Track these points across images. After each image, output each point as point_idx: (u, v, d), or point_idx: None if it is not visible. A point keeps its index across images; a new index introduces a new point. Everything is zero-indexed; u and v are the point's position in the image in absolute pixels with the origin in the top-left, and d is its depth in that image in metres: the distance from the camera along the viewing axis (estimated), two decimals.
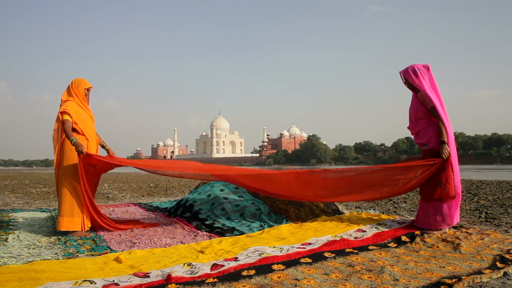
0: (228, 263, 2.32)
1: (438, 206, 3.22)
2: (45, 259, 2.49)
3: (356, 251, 2.64)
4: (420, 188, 3.41)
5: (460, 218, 4.21)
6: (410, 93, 3.49)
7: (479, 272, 2.16)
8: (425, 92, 3.25)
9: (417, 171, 3.30)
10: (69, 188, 3.34)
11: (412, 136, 3.56)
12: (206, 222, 3.78)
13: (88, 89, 3.65)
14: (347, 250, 2.66)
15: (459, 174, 3.31)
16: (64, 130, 3.36)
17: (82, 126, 3.47)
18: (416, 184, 3.35)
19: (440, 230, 3.18)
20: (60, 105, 3.50)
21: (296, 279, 2.01)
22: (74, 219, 3.32)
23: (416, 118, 3.39)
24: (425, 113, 3.31)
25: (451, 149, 3.22)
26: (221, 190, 4.43)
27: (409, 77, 3.34)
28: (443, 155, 3.17)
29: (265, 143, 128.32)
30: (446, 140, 3.18)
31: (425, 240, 2.93)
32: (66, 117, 3.39)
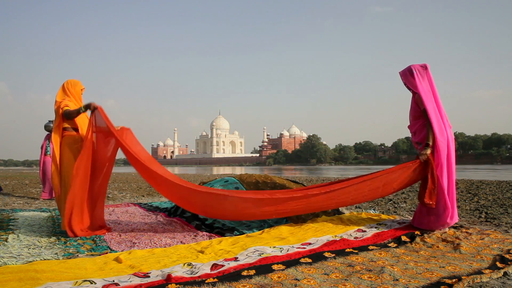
0: (228, 263, 2.32)
1: (435, 206, 3.20)
2: (45, 259, 2.49)
3: (356, 251, 2.64)
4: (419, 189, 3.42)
5: (459, 218, 4.21)
6: (409, 93, 3.50)
7: (479, 272, 2.16)
8: (419, 93, 3.26)
9: (395, 174, 3.38)
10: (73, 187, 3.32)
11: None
12: (206, 222, 3.78)
13: (82, 90, 3.68)
14: (347, 250, 2.66)
15: (454, 176, 3.28)
16: (69, 113, 3.40)
17: (78, 125, 3.48)
18: (397, 187, 3.40)
19: (434, 230, 3.17)
20: (55, 105, 3.49)
21: (296, 279, 2.01)
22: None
23: (413, 118, 3.41)
24: (421, 113, 3.32)
25: (446, 151, 3.20)
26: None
27: (406, 78, 3.35)
28: (420, 157, 3.22)
29: (265, 143, 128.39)
30: (430, 144, 3.21)
31: (425, 240, 2.93)
32: (66, 108, 3.43)
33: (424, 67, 3.35)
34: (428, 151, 3.20)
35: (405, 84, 3.41)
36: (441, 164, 3.20)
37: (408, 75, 3.33)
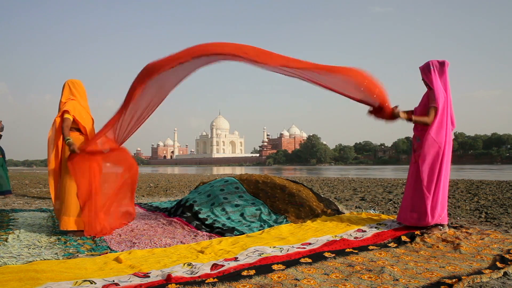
0: (228, 263, 2.32)
1: (418, 204, 3.20)
2: (45, 259, 2.49)
3: (356, 251, 2.64)
4: (406, 185, 3.43)
5: (459, 218, 4.21)
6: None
7: (479, 272, 2.16)
8: (434, 90, 3.23)
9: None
10: (74, 187, 3.31)
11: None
12: (206, 222, 3.78)
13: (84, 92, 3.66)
14: (347, 250, 2.66)
15: (446, 177, 3.24)
16: (63, 128, 3.34)
17: (84, 126, 3.46)
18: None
19: (433, 230, 3.15)
20: (60, 106, 3.47)
21: (296, 279, 2.01)
22: (81, 219, 3.28)
23: (421, 113, 3.36)
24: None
25: (441, 153, 3.18)
26: (221, 190, 4.43)
27: (425, 74, 3.33)
28: (396, 110, 3.32)
29: (265, 143, 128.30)
30: (412, 119, 3.30)
31: (425, 240, 2.93)
32: (67, 115, 3.37)
33: (442, 64, 3.32)
34: (402, 115, 3.32)
35: (423, 80, 3.38)
36: (427, 159, 3.16)
37: (426, 71, 3.31)
